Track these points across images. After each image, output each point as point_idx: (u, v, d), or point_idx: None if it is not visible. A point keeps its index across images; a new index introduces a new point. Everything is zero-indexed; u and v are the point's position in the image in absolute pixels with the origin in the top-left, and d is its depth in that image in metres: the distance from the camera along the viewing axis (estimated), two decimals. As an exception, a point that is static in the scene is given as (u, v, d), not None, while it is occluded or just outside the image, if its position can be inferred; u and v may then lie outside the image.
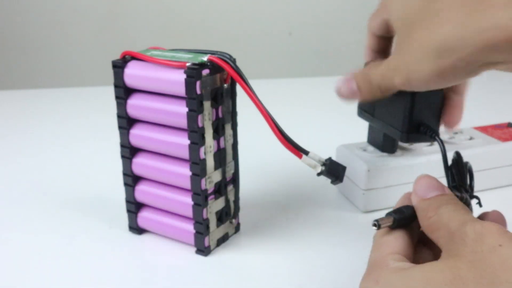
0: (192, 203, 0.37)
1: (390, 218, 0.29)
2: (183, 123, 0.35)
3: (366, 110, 0.44)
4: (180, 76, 0.34)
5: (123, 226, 0.42)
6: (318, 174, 0.36)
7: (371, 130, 0.46)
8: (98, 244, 0.40)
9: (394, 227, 0.30)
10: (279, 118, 0.35)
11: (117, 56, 0.38)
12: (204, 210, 0.37)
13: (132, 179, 0.40)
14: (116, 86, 0.38)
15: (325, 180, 0.38)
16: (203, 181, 0.36)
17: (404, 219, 0.30)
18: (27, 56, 1.43)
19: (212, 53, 0.35)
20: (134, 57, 0.37)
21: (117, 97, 0.38)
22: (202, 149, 0.36)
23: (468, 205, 0.33)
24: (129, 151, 0.39)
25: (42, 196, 0.49)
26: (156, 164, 0.38)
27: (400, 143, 0.45)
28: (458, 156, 0.35)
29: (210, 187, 0.37)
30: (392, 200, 0.42)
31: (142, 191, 0.40)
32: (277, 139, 0.34)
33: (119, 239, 0.41)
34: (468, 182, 0.35)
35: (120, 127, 0.39)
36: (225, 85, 0.36)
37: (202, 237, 0.38)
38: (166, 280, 0.36)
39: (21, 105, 0.80)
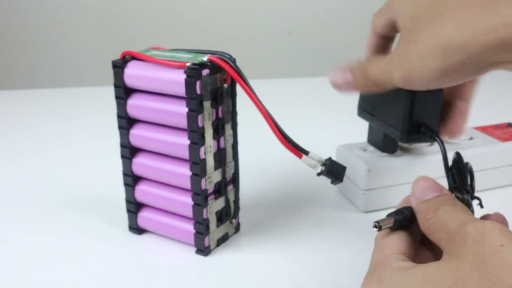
0: (192, 203, 0.37)
1: (391, 220, 0.29)
2: (183, 123, 0.35)
3: (366, 110, 0.44)
4: (180, 76, 0.34)
5: (123, 226, 0.42)
6: (318, 174, 0.36)
7: (371, 130, 0.46)
8: (98, 244, 0.40)
9: (395, 228, 0.30)
10: (279, 118, 0.35)
11: (117, 56, 0.38)
12: (204, 210, 0.37)
13: (132, 179, 0.40)
14: (116, 86, 0.38)
15: (325, 180, 0.38)
16: (203, 181, 0.36)
17: (405, 220, 0.30)
18: (27, 56, 1.43)
19: (212, 53, 0.35)
20: (134, 57, 0.37)
21: (117, 97, 0.38)
22: (202, 149, 0.36)
23: (469, 206, 0.33)
24: (129, 151, 0.39)
25: (42, 196, 0.49)
26: (156, 164, 0.38)
27: (400, 143, 0.45)
28: (458, 157, 0.35)
29: (210, 187, 0.37)
30: (392, 200, 0.43)
31: (142, 191, 0.40)
32: (277, 139, 0.34)
33: (119, 239, 0.41)
34: (469, 182, 0.35)
35: (120, 127, 0.39)
36: (225, 85, 0.36)
37: (202, 237, 0.38)
38: (166, 280, 0.36)
39: (21, 105, 0.80)
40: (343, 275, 0.36)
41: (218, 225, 0.39)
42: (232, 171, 0.39)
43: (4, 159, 0.58)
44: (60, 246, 0.40)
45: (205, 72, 0.34)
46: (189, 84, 0.34)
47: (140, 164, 0.39)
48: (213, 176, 0.37)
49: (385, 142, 0.44)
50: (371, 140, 0.46)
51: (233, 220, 0.40)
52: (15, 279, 0.36)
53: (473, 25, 0.26)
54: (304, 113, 0.74)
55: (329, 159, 0.36)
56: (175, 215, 0.39)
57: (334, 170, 0.35)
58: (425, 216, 0.28)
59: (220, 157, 0.38)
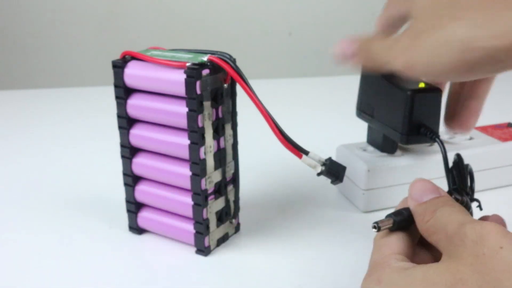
0: (192, 203, 0.37)
1: (390, 220, 0.29)
2: (183, 123, 0.35)
3: (365, 111, 0.44)
4: (180, 76, 0.34)
5: (123, 226, 0.42)
6: (318, 174, 0.36)
7: (371, 130, 0.46)
8: (98, 244, 0.40)
9: (394, 229, 0.30)
10: (279, 118, 0.35)
11: (117, 56, 0.38)
12: (204, 210, 0.37)
13: (132, 179, 0.40)
14: (116, 86, 0.38)
15: (325, 180, 0.38)
16: (203, 181, 0.36)
17: (403, 221, 0.30)
18: (27, 56, 1.43)
19: (212, 53, 0.35)
20: (134, 57, 0.37)
21: (117, 97, 0.38)
22: (202, 149, 0.36)
23: (468, 208, 0.33)
24: (129, 151, 0.39)
25: (42, 196, 0.49)
26: (156, 164, 0.38)
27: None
28: (459, 159, 0.35)
29: (210, 187, 0.37)
30: (392, 200, 0.43)
31: (142, 191, 0.40)
32: (277, 139, 0.34)
33: (119, 239, 0.41)
34: (469, 184, 0.35)
35: (120, 127, 0.39)
36: (225, 85, 0.36)
37: (202, 237, 0.38)
38: (166, 280, 0.36)
39: (21, 105, 0.80)
40: (343, 275, 0.36)
41: (218, 225, 0.39)
42: (232, 171, 0.39)
43: (4, 159, 0.58)
44: (60, 246, 0.40)
45: (205, 72, 0.34)
46: (189, 84, 0.34)
47: (140, 164, 0.39)
48: (213, 176, 0.37)
49: (385, 142, 0.44)
50: (371, 140, 0.46)
51: (233, 220, 0.40)
52: (15, 279, 0.36)
53: (494, 25, 0.25)
54: (304, 113, 0.74)
55: (329, 159, 0.36)
56: (175, 215, 0.39)
57: (334, 170, 0.35)
58: (423, 218, 0.28)
59: (220, 157, 0.38)
